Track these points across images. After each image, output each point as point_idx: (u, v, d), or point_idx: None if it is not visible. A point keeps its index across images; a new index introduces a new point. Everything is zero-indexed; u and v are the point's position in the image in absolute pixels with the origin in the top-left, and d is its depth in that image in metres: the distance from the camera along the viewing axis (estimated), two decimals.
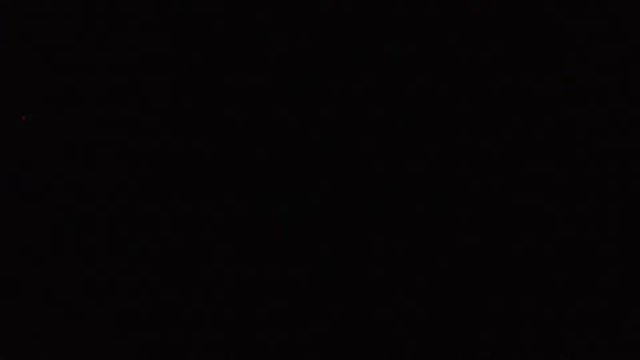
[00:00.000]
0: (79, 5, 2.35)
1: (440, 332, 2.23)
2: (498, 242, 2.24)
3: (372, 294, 2.26)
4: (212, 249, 2.30)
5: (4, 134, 2.35)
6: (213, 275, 2.30)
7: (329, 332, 2.25)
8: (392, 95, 2.30)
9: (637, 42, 2.24)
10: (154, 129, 2.34)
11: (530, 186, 2.25)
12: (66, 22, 2.35)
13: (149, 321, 2.29)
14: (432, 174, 2.28)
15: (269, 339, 2.26)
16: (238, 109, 2.34)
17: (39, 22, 2.36)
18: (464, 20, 2.28)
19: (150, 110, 2.34)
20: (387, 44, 2.30)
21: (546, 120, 2.26)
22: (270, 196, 2.31)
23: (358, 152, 2.29)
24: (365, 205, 2.28)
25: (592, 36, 2.25)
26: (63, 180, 2.33)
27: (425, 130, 2.28)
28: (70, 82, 2.35)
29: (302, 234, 2.29)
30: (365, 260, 2.27)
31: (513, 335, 2.21)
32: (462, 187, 2.27)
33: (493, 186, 2.26)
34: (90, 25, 2.35)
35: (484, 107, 2.28)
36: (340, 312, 2.26)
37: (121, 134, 2.34)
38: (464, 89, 2.28)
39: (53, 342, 2.29)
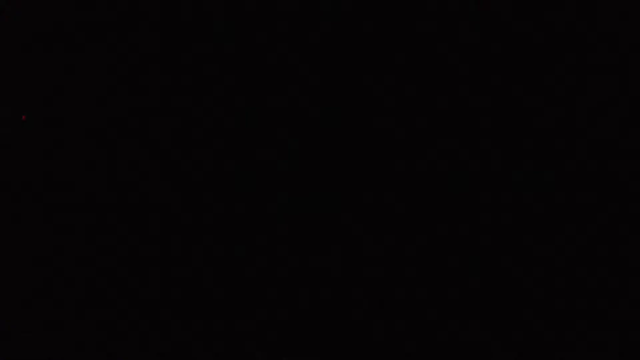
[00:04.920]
0: (78, 5, 2.36)
1: (440, 332, 2.23)
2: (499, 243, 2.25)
3: (370, 295, 2.26)
4: (212, 250, 2.31)
5: (4, 134, 2.35)
6: (212, 275, 2.30)
7: (329, 332, 2.26)
8: (392, 95, 2.31)
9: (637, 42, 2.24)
10: (154, 128, 2.34)
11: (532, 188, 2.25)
12: (65, 22, 2.36)
13: (149, 322, 2.29)
14: (434, 174, 2.28)
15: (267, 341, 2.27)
16: (238, 109, 2.34)
17: (38, 22, 2.36)
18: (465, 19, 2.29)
19: (150, 110, 2.35)
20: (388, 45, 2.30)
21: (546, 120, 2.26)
22: (269, 196, 2.31)
23: (358, 151, 2.30)
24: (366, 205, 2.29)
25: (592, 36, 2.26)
26: (62, 180, 2.34)
27: (430, 129, 2.29)
28: (69, 82, 2.36)
29: (302, 234, 2.29)
30: (364, 261, 2.28)
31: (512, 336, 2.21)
32: (463, 187, 2.27)
33: (495, 188, 2.26)
34: (89, 24, 2.36)
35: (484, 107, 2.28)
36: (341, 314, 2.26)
37: (120, 134, 2.34)
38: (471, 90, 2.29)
39: (52, 342, 2.29)
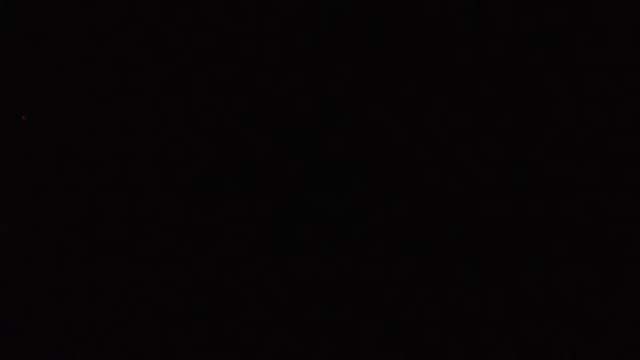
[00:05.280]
0: (79, 4, 2.36)
1: (440, 332, 2.23)
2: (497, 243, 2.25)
3: (368, 295, 2.26)
4: (212, 249, 2.31)
5: (4, 134, 2.35)
6: (212, 274, 2.30)
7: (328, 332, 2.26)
8: (391, 95, 2.31)
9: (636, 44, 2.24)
10: (154, 128, 2.34)
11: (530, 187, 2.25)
12: (65, 21, 2.36)
13: (149, 322, 2.29)
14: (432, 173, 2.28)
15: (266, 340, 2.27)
16: (238, 108, 2.34)
17: (38, 22, 2.36)
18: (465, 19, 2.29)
19: (150, 110, 2.35)
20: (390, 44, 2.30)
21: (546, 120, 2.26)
22: (269, 196, 2.31)
23: (357, 151, 2.30)
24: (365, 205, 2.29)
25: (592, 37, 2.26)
26: (62, 180, 2.34)
27: (426, 129, 2.29)
28: (69, 82, 2.36)
29: (302, 234, 2.29)
30: (362, 260, 2.28)
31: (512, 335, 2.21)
32: (462, 186, 2.27)
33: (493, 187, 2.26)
34: (89, 23, 2.36)
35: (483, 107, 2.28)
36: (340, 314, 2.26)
37: (120, 134, 2.34)
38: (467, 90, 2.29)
39: (52, 341, 2.29)
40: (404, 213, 2.28)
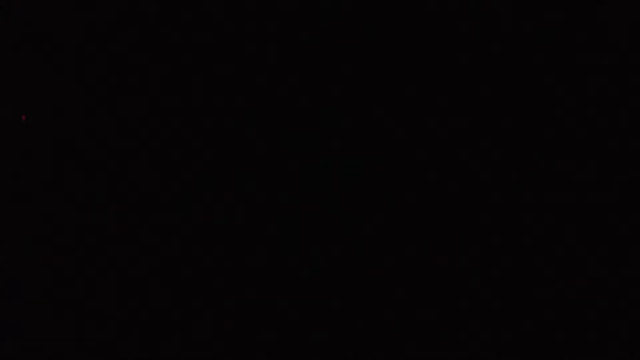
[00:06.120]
0: (79, 4, 2.36)
1: (440, 331, 2.23)
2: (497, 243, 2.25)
3: (370, 293, 2.26)
4: (212, 249, 2.31)
5: (4, 134, 2.35)
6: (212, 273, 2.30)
7: (328, 331, 2.26)
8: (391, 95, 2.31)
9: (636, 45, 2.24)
10: (154, 128, 2.34)
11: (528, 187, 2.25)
12: (65, 20, 2.36)
13: (147, 322, 2.29)
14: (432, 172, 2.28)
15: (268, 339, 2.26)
16: (237, 109, 2.34)
17: (38, 22, 2.36)
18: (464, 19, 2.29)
19: (150, 110, 2.35)
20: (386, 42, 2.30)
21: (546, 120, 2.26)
22: (267, 193, 2.31)
23: (356, 151, 2.30)
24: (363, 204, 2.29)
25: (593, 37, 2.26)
26: (62, 181, 2.33)
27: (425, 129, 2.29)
28: (70, 82, 2.36)
29: (301, 232, 2.29)
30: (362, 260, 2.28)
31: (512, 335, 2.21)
32: (462, 186, 2.27)
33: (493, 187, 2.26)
34: (90, 23, 2.36)
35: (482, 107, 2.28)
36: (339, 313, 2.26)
37: (121, 134, 2.34)
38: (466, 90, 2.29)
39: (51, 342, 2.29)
40: (404, 213, 2.28)
